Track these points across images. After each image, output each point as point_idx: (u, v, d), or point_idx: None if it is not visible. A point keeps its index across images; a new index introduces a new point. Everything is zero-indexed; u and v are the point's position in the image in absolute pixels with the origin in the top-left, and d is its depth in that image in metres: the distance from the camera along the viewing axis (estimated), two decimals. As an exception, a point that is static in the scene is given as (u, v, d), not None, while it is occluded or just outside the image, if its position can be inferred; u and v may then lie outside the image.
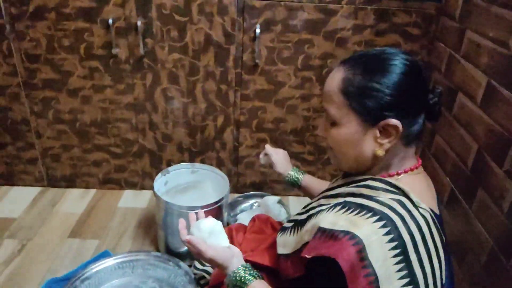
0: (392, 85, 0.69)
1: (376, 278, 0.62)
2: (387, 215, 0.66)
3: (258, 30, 1.43)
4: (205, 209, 1.32)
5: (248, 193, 1.73)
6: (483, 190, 1.11)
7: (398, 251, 0.63)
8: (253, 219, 1.25)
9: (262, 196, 1.69)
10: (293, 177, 1.17)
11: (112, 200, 1.75)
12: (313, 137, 1.67)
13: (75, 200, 1.74)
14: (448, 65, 1.38)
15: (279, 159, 1.19)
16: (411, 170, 0.76)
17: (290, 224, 0.93)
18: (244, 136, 1.68)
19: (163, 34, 1.47)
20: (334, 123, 0.75)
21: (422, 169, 0.79)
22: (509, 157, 1.01)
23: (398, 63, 0.70)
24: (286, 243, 0.89)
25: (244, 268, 0.84)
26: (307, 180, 1.18)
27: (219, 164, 1.74)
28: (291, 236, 0.88)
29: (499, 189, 1.04)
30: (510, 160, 1.00)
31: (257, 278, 0.83)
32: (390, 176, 0.75)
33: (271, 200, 1.64)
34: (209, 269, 1.18)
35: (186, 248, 1.38)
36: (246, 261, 1.01)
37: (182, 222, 0.95)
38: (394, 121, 0.69)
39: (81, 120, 1.63)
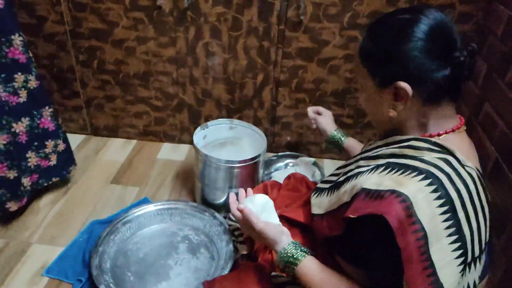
0: (402, 51, 0.69)
1: (425, 234, 0.61)
2: (432, 173, 0.65)
3: (305, -15, 1.38)
4: (241, 164, 1.35)
5: (283, 153, 1.73)
6: (533, 161, 1.07)
7: (446, 208, 0.63)
8: (288, 177, 1.26)
9: (297, 157, 1.69)
10: (336, 137, 1.20)
11: (152, 152, 1.80)
12: (354, 100, 1.64)
13: (117, 149, 1.81)
14: (506, 29, 1.29)
15: (325, 119, 1.24)
16: (453, 130, 0.74)
17: (325, 186, 0.93)
18: (283, 95, 1.67)
19: (208, -14, 1.45)
20: (360, 87, 0.80)
21: (464, 129, 0.78)
22: None
23: (414, 30, 0.69)
24: (321, 204, 0.90)
25: (294, 245, 0.84)
26: (351, 142, 1.19)
27: (256, 123, 1.74)
28: (327, 197, 0.88)
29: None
30: None
31: (308, 254, 0.83)
32: (431, 136, 0.74)
33: (306, 160, 1.64)
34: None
35: (221, 200, 1.43)
36: (281, 216, 1.03)
37: (233, 196, 0.98)
38: (403, 84, 0.70)
39: (124, 71, 1.67)
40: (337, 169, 0.97)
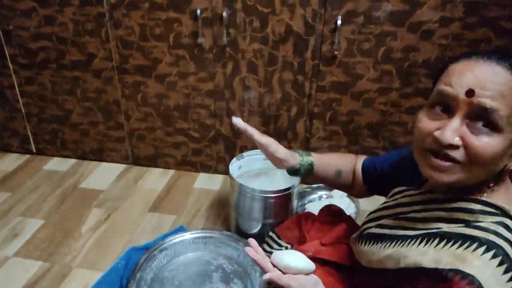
0: None
1: None
2: (494, 242, 0.60)
3: (339, 22, 1.43)
4: (276, 195, 1.37)
5: (317, 185, 1.74)
6: None
7: None
8: (323, 209, 1.26)
9: (331, 189, 1.69)
10: (307, 161, 0.99)
11: (188, 181, 1.86)
12: (389, 132, 1.64)
13: (155, 178, 1.87)
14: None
15: (273, 142, 1.01)
16: (503, 180, 0.68)
17: (363, 233, 0.88)
18: (317, 127, 1.70)
19: (246, 25, 1.53)
20: (491, 129, 0.60)
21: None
22: None
23: None
24: (358, 252, 0.86)
25: None
26: (319, 159, 1.00)
27: (290, 154, 1.77)
28: (365, 246, 0.83)
29: None
30: None
31: None
32: (481, 192, 0.67)
33: (340, 193, 1.64)
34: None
35: (256, 230, 1.45)
36: (314, 258, 1.01)
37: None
38: None
39: (165, 105, 1.76)
40: (372, 219, 0.88)
